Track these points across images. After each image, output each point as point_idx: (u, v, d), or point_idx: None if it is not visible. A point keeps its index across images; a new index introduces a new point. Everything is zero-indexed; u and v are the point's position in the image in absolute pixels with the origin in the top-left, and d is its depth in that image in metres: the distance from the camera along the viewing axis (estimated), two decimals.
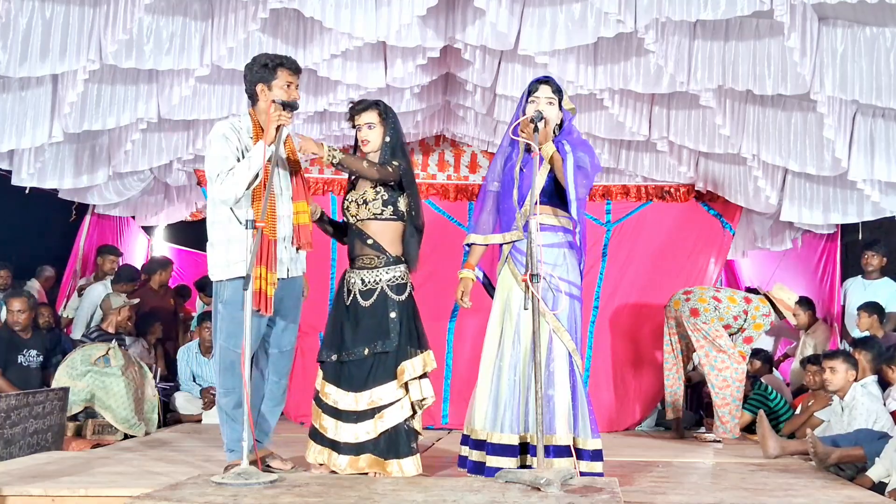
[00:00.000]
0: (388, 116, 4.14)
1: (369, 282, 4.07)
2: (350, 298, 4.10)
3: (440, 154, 7.54)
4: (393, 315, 4.02)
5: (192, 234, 10.08)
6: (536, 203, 3.78)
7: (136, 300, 7.19)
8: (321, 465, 4.07)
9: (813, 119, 5.58)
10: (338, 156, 3.98)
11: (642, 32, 4.99)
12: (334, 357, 4.06)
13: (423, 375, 4.05)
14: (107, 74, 5.68)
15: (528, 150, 3.98)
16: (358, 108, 4.16)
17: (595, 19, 5.01)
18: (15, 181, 6.30)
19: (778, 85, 5.14)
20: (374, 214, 4.07)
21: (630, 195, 7.20)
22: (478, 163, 7.46)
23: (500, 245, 4.15)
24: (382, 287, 4.05)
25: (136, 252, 9.13)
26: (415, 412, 4.03)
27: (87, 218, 8.05)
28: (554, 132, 4.10)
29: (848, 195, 6.22)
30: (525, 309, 3.70)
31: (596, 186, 7.16)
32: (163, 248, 9.70)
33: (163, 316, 7.71)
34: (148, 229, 9.38)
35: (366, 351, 4.01)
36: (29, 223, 7.53)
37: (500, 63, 5.85)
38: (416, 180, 7.23)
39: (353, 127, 4.18)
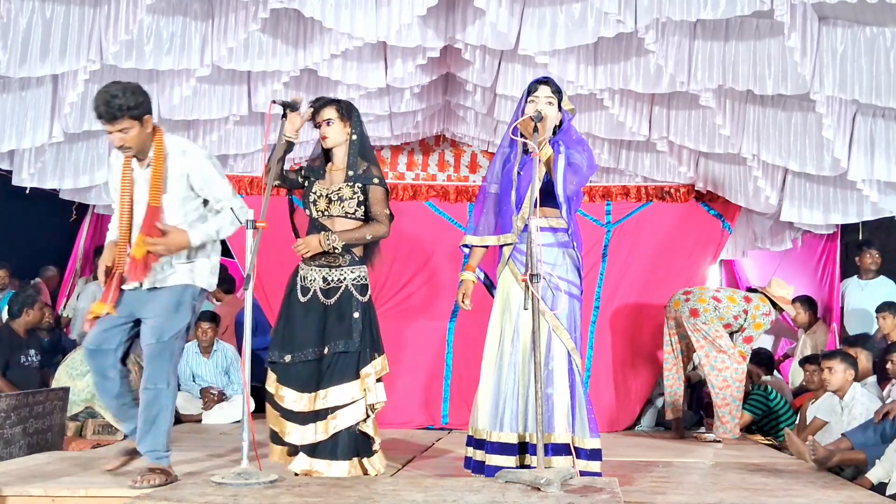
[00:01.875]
0: (350, 114, 4.12)
1: (333, 280, 4.02)
2: (308, 296, 4.03)
3: (440, 154, 7.54)
4: (356, 315, 3.99)
5: None
6: (536, 203, 3.78)
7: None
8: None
9: (813, 119, 5.57)
10: (336, 240, 3.98)
11: (642, 32, 4.98)
12: (287, 358, 3.99)
13: (378, 379, 4.04)
14: (107, 75, 5.66)
15: (526, 151, 3.98)
16: (317, 104, 4.12)
17: (595, 19, 5.00)
18: (15, 181, 6.29)
19: (778, 85, 5.13)
20: (346, 213, 4.03)
21: (630, 196, 7.19)
22: (478, 163, 7.46)
23: (501, 246, 4.15)
24: (347, 286, 4.01)
25: None
26: (368, 416, 4.00)
27: (87, 218, 8.05)
28: (553, 132, 4.10)
29: (848, 195, 6.21)
30: (525, 309, 3.70)
31: (596, 187, 7.16)
32: None
33: None
34: None
35: (325, 350, 3.96)
36: (29, 223, 7.53)
37: (500, 63, 5.85)
38: (417, 181, 7.38)
39: (316, 126, 4.12)
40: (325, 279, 4.03)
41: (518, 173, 4.03)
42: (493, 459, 3.89)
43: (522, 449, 3.91)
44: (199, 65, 5.41)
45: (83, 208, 7.94)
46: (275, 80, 5.78)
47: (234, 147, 6.76)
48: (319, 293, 4.02)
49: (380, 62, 5.77)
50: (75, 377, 5.64)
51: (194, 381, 6.92)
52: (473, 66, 5.82)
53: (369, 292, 4.08)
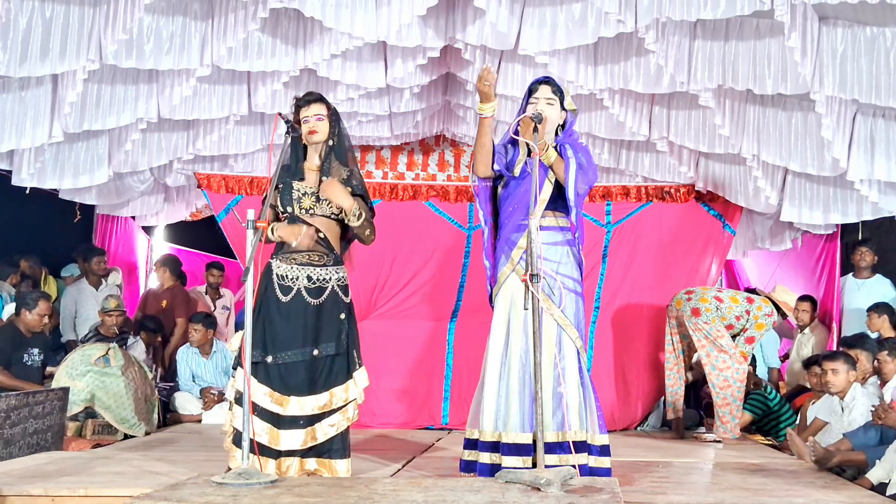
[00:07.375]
0: (336, 118, 4.10)
1: (318, 279, 3.96)
2: (291, 295, 3.94)
3: (440, 154, 7.55)
4: (342, 317, 3.99)
5: (192, 234, 10.08)
6: (537, 203, 3.78)
7: (121, 310, 7.17)
8: None
9: (813, 119, 5.57)
10: (365, 213, 3.94)
11: (642, 32, 4.98)
12: (269, 359, 3.91)
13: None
14: (107, 74, 5.67)
15: (530, 152, 3.97)
16: (310, 98, 4.07)
17: (595, 19, 5.00)
18: (15, 181, 6.28)
19: (778, 85, 5.13)
20: (332, 213, 4.00)
21: (630, 196, 7.20)
22: None
23: (497, 242, 4.14)
24: (333, 286, 3.98)
25: (137, 252, 9.13)
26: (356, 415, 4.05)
27: (95, 217, 8.08)
28: (557, 132, 4.11)
29: (848, 195, 6.21)
30: (525, 309, 3.70)
31: (596, 187, 7.15)
32: (163, 248, 9.70)
33: (162, 316, 7.72)
34: (148, 229, 9.38)
35: (315, 352, 3.92)
36: (30, 223, 7.52)
37: (500, 63, 5.85)
38: (417, 181, 7.40)
39: (297, 120, 4.02)
40: (309, 278, 3.96)
41: (527, 173, 4.03)
42: (509, 461, 3.89)
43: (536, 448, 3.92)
44: (199, 64, 5.41)
45: (86, 208, 7.93)
46: (275, 80, 5.78)
47: (234, 147, 6.77)
48: (304, 292, 3.95)
49: (380, 62, 5.77)
50: (75, 377, 5.63)
51: (194, 381, 6.92)
52: (473, 66, 5.81)
53: (349, 293, 4.06)
